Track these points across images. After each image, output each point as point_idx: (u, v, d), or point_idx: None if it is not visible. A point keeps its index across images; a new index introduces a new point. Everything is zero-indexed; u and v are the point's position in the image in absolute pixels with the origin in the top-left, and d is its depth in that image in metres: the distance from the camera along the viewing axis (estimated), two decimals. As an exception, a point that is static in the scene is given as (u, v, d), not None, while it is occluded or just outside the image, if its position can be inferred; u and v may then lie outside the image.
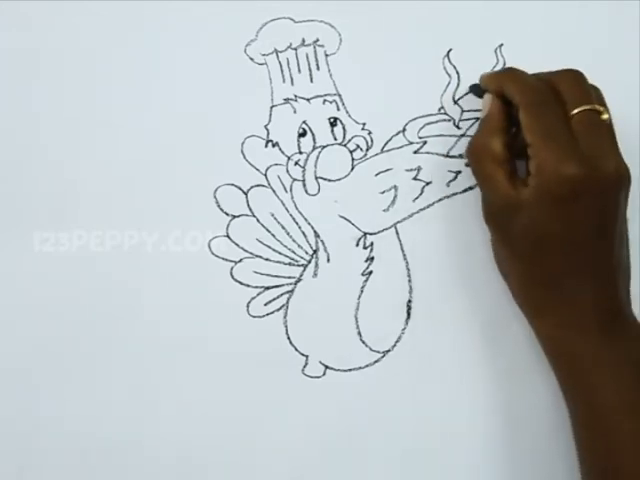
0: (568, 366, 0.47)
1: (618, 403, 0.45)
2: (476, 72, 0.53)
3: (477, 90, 0.51)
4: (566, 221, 0.45)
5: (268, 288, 0.51)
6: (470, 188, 0.52)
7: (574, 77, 0.47)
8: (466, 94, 0.52)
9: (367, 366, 0.51)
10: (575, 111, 0.46)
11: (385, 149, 0.52)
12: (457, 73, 0.53)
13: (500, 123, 0.48)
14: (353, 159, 0.52)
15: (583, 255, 0.45)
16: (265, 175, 0.52)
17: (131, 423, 0.50)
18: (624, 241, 0.47)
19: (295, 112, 0.52)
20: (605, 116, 0.46)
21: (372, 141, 0.52)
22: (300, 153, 0.52)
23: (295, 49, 0.53)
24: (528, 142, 0.45)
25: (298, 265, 0.52)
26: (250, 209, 0.52)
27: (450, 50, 0.53)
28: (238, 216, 0.52)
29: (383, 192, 0.52)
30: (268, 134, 0.52)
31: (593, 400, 0.45)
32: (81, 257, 0.51)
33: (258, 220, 0.52)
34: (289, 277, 0.52)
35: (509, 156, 0.47)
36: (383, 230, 0.52)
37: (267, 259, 0.51)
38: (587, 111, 0.46)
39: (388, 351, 0.51)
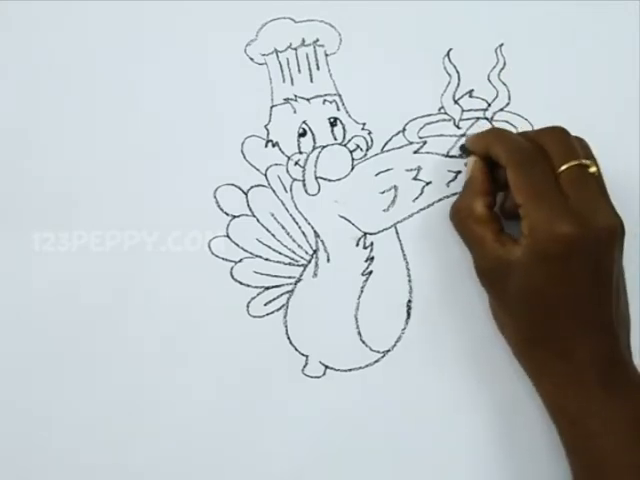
0: (567, 422, 0.46)
1: (618, 462, 0.44)
2: (476, 72, 0.53)
3: (465, 150, 0.51)
4: (562, 279, 0.44)
5: (268, 288, 0.51)
6: (470, 188, 0.52)
7: (558, 133, 0.47)
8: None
9: (367, 366, 0.51)
10: (563, 168, 0.45)
11: (385, 149, 0.52)
12: (457, 73, 0.53)
13: (483, 185, 0.48)
14: (353, 159, 0.52)
15: (581, 311, 0.45)
16: (265, 175, 0.52)
17: (130, 423, 0.50)
18: (621, 292, 0.47)
19: (295, 112, 0.52)
20: (593, 169, 0.46)
21: (372, 141, 0.52)
22: (300, 153, 0.52)
23: (295, 49, 0.53)
24: (518, 202, 0.45)
25: (298, 265, 0.52)
26: (250, 209, 0.52)
27: (450, 50, 0.53)
28: (238, 216, 0.52)
29: (383, 192, 0.52)
30: (268, 134, 0.52)
31: (593, 459, 0.45)
32: (81, 257, 0.51)
33: (258, 220, 0.52)
34: (289, 277, 0.52)
35: (494, 216, 0.47)
36: (383, 230, 0.52)
37: (267, 259, 0.51)
38: (575, 167, 0.45)
39: (388, 351, 0.51)
